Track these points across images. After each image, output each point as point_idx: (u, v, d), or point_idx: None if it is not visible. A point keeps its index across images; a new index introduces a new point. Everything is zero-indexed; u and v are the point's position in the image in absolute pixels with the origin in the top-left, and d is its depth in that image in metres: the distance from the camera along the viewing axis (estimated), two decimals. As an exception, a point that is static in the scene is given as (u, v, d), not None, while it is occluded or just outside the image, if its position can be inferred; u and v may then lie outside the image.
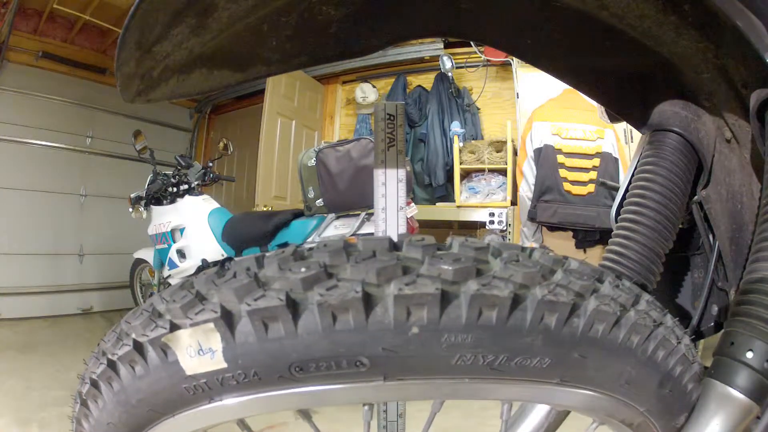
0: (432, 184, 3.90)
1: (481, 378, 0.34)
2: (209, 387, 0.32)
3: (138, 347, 0.32)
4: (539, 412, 0.60)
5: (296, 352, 0.30)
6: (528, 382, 0.36)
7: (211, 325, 0.30)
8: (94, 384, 0.35)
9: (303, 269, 0.30)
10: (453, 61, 3.80)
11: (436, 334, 0.31)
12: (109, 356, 0.34)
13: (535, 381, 0.36)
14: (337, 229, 2.33)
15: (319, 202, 2.33)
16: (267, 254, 0.33)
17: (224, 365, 0.30)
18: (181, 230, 2.81)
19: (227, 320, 0.30)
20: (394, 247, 0.33)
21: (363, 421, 0.38)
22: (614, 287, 0.38)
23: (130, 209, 3.08)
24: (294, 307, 0.30)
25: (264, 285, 0.30)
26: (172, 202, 2.91)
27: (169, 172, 2.97)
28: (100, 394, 0.35)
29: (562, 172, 3.11)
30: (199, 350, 0.30)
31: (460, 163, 3.57)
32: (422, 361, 0.32)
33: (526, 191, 3.26)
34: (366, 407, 0.37)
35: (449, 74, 3.88)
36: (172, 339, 0.31)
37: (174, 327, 0.31)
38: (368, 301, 0.30)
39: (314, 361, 0.30)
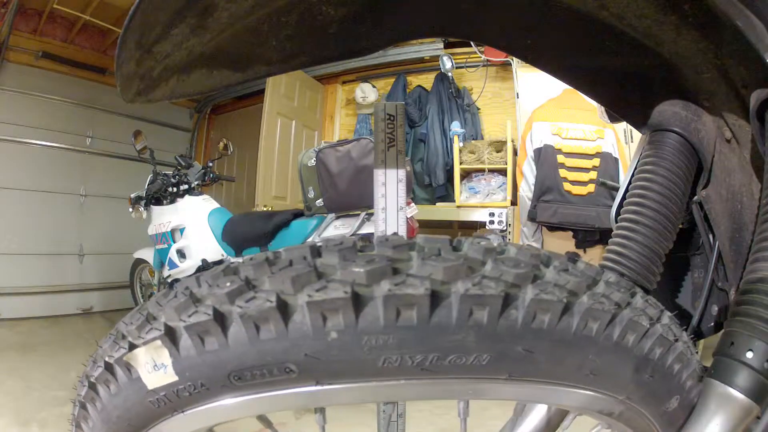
0: (432, 184, 3.90)
1: (416, 378, 0.33)
2: (169, 399, 0.34)
3: (109, 368, 0.35)
4: (539, 412, 0.60)
5: (231, 362, 0.32)
6: (471, 379, 0.35)
7: (159, 342, 0.32)
8: (83, 406, 0.38)
9: (228, 284, 0.32)
10: (453, 61, 3.80)
11: (356, 337, 0.31)
12: (90, 379, 0.37)
13: (478, 378, 0.35)
14: (337, 229, 2.33)
15: (319, 202, 2.33)
16: (204, 273, 0.35)
17: (176, 378, 0.33)
18: (181, 230, 2.81)
19: (171, 336, 0.32)
20: (318, 253, 0.33)
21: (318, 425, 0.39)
22: (562, 272, 0.35)
23: (130, 209, 3.08)
24: (222, 320, 0.31)
25: (197, 302, 0.32)
26: (172, 202, 2.91)
27: (169, 172, 2.97)
28: (89, 414, 0.38)
29: (562, 172, 3.11)
30: (154, 366, 0.33)
31: (460, 163, 3.57)
32: (348, 365, 0.32)
33: (526, 191, 3.26)
34: (318, 414, 0.38)
35: (449, 74, 3.88)
36: (132, 357, 0.34)
37: (132, 346, 0.34)
38: (285, 310, 0.31)
39: (248, 370, 0.32)
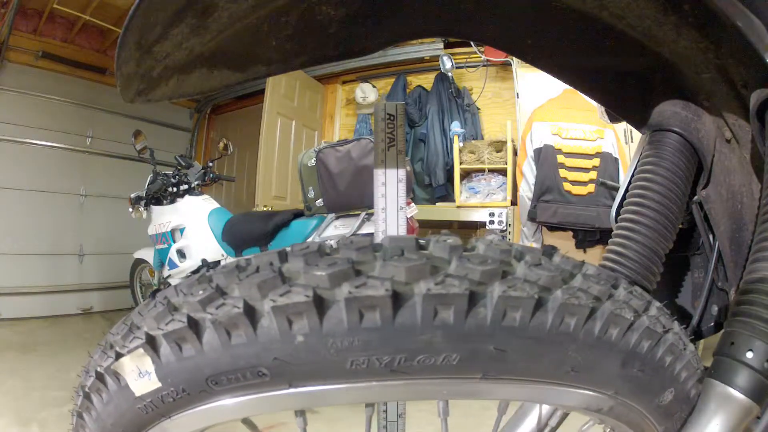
0: (432, 184, 3.90)
1: (387, 380, 0.33)
2: (156, 405, 0.35)
3: (100, 377, 0.36)
4: (538, 411, 0.60)
5: (208, 367, 0.33)
6: (443, 380, 0.34)
7: (141, 350, 0.34)
8: (80, 416, 0.39)
9: (201, 292, 0.33)
10: (453, 61, 3.80)
11: (322, 340, 0.32)
12: (85, 389, 0.38)
13: (451, 378, 0.34)
14: (337, 229, 2.33)
15: (319, 202, 2.33)
16: (182, 282, 0.36)
17: (159, 384, 0.34)
18: (181, 230, 2.81)
19: (152, 344, 0.34)
20: (285, 259, 0.34)
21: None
22: (534, 267, 0.35)
23: (130, 209, 3.08)
24: (196, 327, 0.32)
25: (174, 310, 0.33)
26: (172, 202, 2.91)
27: (169, 172, 2.97)
28: (86, 423, 0.39)
29: (562, 172, 3.11)
30: (139, 373, 0.34)
31: (460, 163, 3.57)
32: (316, 367, 0.32)
33: (526, 191, 3.26)
34: (298, 417, 0.38)
35: (449, 74, 3.88)
36: (119, 366, 0.35)
37: (118, 355, 0.35)
38: (252, 315, 0.32)
39: (224, 375, 0.33)
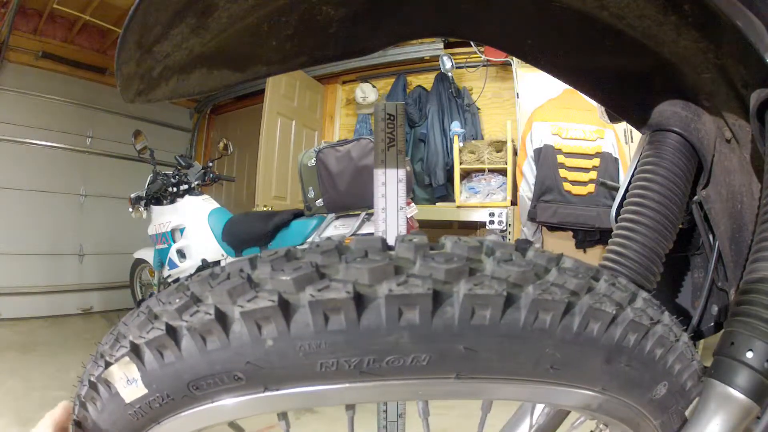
0: (432, 184, 3.90)
1: (359, 382, 0.33)
2: (145, 412, 0.36)
3: (93, 386, 0.37)
4: (537, 412, 0.60)
5: (188, 372, 0.34)
6: (415, 380, 0.34)
7: (127, 358, 0.35)
8: (78, 425, 0.40)
9: (177, 300, 0.34)
10: (453, 61, 3.81)
11: (290, 343, 0.32)
12: (81, 398, 0.39)
13: (424, 379, 0.34)
14: (337, 229, 2.33)
15: (319, 202, 2.33)
16: (162, 291, 0.37)
17: (146, 391, 0.35)
18: (181, 230, 2.81)
19: (136, 352, 0.35)
20: (254, 265, 0.34)
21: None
22: (504, 263, 0.34)
23: (130, 209, 3.08)
24: (173, 334, 0.33)
25: (155, 318, 0.35)
26: (172, 202, 2.91)
27: (169, 172, 2.97)
28: None
29: (562, 172, 3.11)
30: (127, 380, 0.35)
31: (460, 163, 3.57)
32: (288, 370, 0.33)
33: (526, 191, 3.26)
34: (281, 420, 0.39)
35: (449, 74, 3.88)
36: (108, 374, 0.36)
37: (107, 364, 0.36)
38: (224, 321, 0.32)
39: (203, 379, 0.34)
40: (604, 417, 0.41)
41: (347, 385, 0.33)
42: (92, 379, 0.37)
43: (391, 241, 0.35)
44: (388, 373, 0.33)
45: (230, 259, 1.75)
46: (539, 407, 0.60)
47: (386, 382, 0.34)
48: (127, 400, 0.36)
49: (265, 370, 0.33)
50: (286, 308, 0.32)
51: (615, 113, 0.62)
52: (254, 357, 0.32)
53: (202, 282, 0.34)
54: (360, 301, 0.32)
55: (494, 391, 0.36)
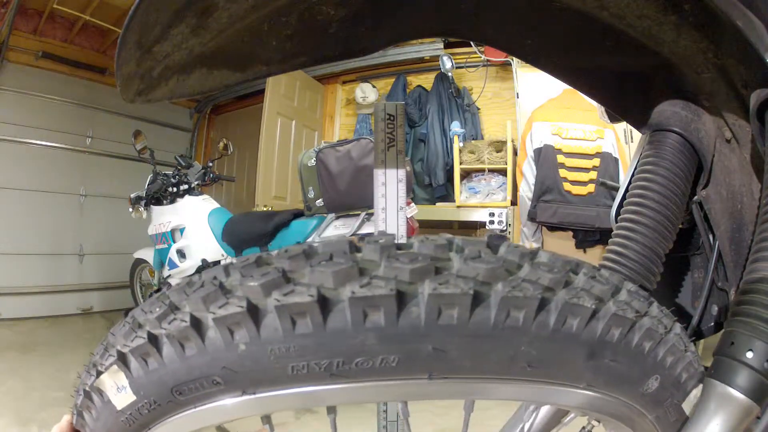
0: (432, 184, 3.90)
1: (330, 384, 0.34)
2: (135, 418, 0.37)
3: (87, 395, 0.39)
4: (538, 412, 0.60)
5: (171, 378, 0.35)
6: (387, 382, 0.34)
7: (115, 366, 0.36)
8: None
9: (158, 309, 0.35)
10: (453, 61, 3.80)
11: (261, 347, 0.33)
12: (78, 408, 0.41)
13: (395, 380, 0.34)
14: (337, 229, 2.33)
15: (319, 202, 2.33)
16: (146, 301, 0.38)
17: (135, 397, 0.36)
18: (181, 230, 2.81)
19: (123, 360, 0.36)
20: (227, 273, 0.35)
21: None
22: (472, 261, 0.33)
23: (130, 209, 3.08)
24: (155, 341, 0.35)
25: (138, 327, 0.36)
26: (172, 202, 2.91)
27: (169, 172, 2.97)
28: None
29: (562, 172, 3.11)
30: (117, 388, 0.37)
31: (460, 163, 3.57)
32: (262, 374, 0.33)
33: (526, 191, 3.26)
34: (264, 423, 0.39)
35: (449, 74, 3.88)
36: (100, 383, 0.37)
37: (99, 373, 0.38)
38: (199, 328, 0.33)
39: (185, 385, 0.35)
40: (593, 413, 0.40)
41: (319, 387, 0.34)
42: (86, 388, 0.39)
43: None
44: (358, 375, 0.33)
45: (230, 259, 1.75)
46: (543, 409, 0.60)
47: (358, 383, 0.34)
48: (119, 407, 0.37)
49: (240, 374, 0.33)
50: (255, 313, 0.32)
51: (615, 113, 0.62)
52: (229, 362, 0.33)
53: (179, 291, 0.35)
54: (325, 304, 0.32)
55: (471, 390, 0.36)
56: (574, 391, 0.37)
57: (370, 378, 0.33)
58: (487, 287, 0.33)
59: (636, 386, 0.39)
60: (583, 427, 0.53)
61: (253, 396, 0.34)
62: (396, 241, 0.34)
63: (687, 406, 0.43)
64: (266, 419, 0.38)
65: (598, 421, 0.44)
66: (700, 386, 0.43)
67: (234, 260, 0.36)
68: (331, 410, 0.38)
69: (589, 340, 0.35)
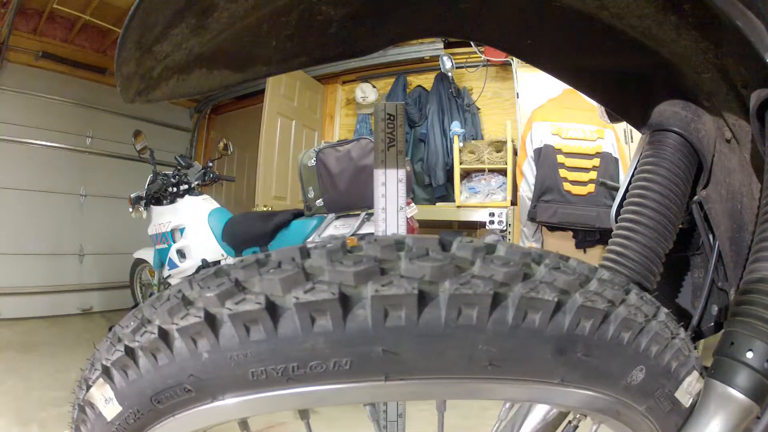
0: (432, 184, 3.90)
1: (290, 388, 0.34)
2: (123, 428, 0.38)
3: (81, 409, 0.41)
4: (539, 412, 0.60)
5: (148, 388, 0.36)
6: (345, 385, 0.34)
7: (101, 379, 0.38)
8: None
9: (132, 323, 0.37)
10: (453, 61, 3.80)
11: (221, 355, 0.34)
12: (74, 423, 0.42)
13: (352, 383, 0.34)
14: (337, 229, 2.33)
15: (319, 202, 2.33)
16: (123, 318, 0.40)
17: (121, 408, 0.38)
18: (181, 230, 2.81)
19: (106, 373, 0.38)
20: (190, 286, 0.36)
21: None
22: (418, 260, 0.33)
23: (130, 209, 3.08)
24: (131, 354, 0.36)
25: (118, 341, 0.38)
26: (172, 202, 2.91)
27: (169, 172, 2.97)
28: None
29: (562, 172, 3.11)
30: (105, 400, 0.38)
31: (460, 163, 3.57)
32: (225, 380, 0.34)
33: (526, 191, 3.26)
34: (242, 429, 0.41)
35: (449, 74, 3.88)
36: (90, 396, 0.39)
37: (88, 387, 0.39)
38: (166, 339, 0.35)
39: (161, 393, 0.36)
40: (577, 409, 0.40)
41: (280, 391, 0.34)
42: (80, 402, 0.40)
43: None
44: (315, 379, 0.34)
45: (230, 260, 1.75)
46: (540, 407, 0.60)
47: (316, 387, 0.34)
48: (108, 418, 0.38)
49: (206, 381, 0.35)
50: (212, 322, 0.33)
51: (615, 113, 0.62)
52: (195, 370, 0.34)
53: (150, 305, 0.37)
54: (274, 310, 0.33)
55: (433, 391, 0.35)
56: (549, 388, 0.36)
57: (326, 381, 0.34)
58: (434, 286, 0.32)
59: (618, 379, 0.38)
60: (569, 422, 0.52)
61: (223, 402, 0.35)
62: (346, 246, 0.35)
63: (681, 395, 0.42)
64: (243, 425, 0.39)
65: (585, 416, 0.43)
66: (694, 373, 0.42)
67: (202, 272, 0.37)
68: (304, 414, 0.39)
69: (555, 334, 0.34)
